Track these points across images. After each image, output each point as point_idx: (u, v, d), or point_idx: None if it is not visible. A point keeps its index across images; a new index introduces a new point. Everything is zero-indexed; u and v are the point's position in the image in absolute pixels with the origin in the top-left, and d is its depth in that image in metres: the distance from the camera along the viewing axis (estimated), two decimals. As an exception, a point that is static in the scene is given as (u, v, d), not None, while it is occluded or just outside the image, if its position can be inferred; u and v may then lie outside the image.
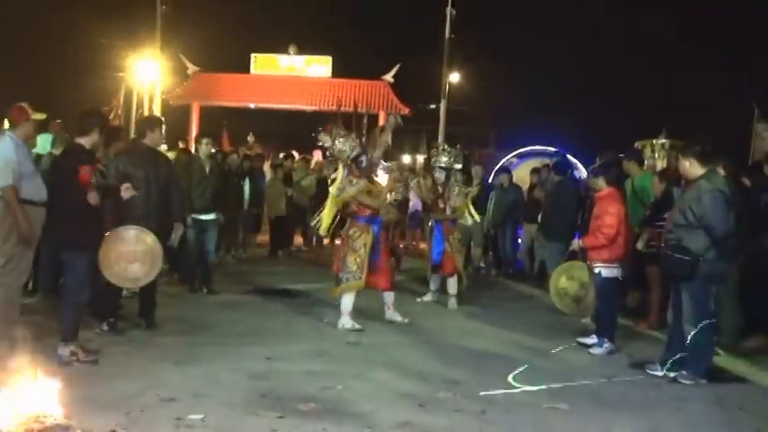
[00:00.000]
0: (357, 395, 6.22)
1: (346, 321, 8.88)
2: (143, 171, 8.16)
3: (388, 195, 9.32)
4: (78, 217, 6.86)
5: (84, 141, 7.13)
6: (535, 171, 14.64)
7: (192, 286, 10.83)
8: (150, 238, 7.48)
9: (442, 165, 10.78)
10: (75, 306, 6.96)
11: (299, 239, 17.85)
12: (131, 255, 7.37)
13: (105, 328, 7.95)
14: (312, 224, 10.13)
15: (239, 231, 14.97)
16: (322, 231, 9.45)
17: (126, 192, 7.51)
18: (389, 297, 9.45)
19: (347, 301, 8.94)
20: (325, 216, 9.21)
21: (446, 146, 11.24)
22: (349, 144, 9.16)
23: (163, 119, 11.74)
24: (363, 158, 9.15)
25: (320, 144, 9.62)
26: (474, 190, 11.64)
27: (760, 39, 31.08)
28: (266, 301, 10.62)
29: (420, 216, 11.78)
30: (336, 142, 9.15)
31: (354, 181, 9.07)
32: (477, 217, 11.22)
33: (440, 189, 10.78)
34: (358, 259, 8.98)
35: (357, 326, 8.83)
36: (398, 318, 9.41)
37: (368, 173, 9.17)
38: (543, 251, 12.46)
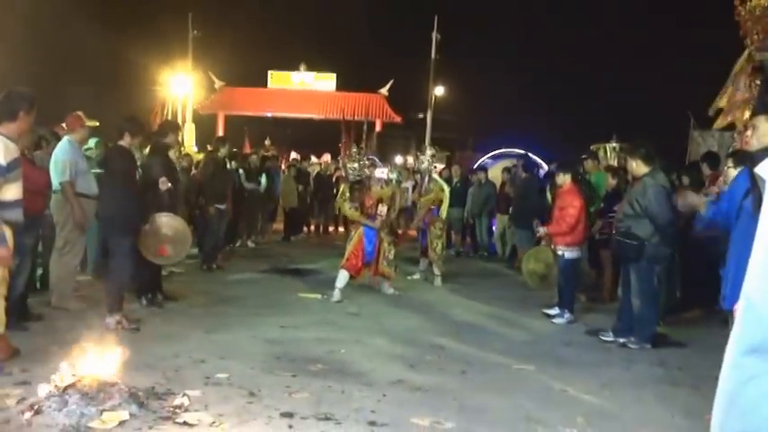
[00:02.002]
0: (357, 357, 6.22)
1: (335, 293, 8.91)
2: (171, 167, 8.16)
3: (383, 209, 9.28)
4: (123, 206, 6.84)
5: (123, 143, 7.11)
6: (506, 170, 14.64)
7: (209, 266, 10.79)
8: (179, 223, 7.46)
9: (421, 168, 10.75)
10: (119, 282, 6.94)
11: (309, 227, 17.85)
12: (165, 238, 7.36)
13: (144, 302, 7.94)
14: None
15: (258, 220, 14.93)
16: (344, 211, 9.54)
17: (163, 185, 7.49)
18: (386, 278, 9.48)
19: (340, 278, 8.97)
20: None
21: (419, 153, 11.00)
22: (358, 166, 9.22)
23: (180, 124, 11.72)
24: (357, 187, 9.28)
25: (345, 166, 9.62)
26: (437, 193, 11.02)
27: (696, 54, 31.07)
28: (281, 278, 10.60)
29: (410, 208, 11.72)
30: (354, 165, 9.35)
31: (353, 207, 9.25)
32: (444, 209, 10.92)
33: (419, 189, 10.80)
34: (349, 247, 9.12)
35: (336, 299, 8.82)
36: (391, 291, 9.43)
37: (361, 198, 9.26)
38: (514, 237, 12.46)
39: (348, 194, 9.27)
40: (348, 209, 9.30)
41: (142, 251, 7.26)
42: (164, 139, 8.18)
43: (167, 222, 7.39)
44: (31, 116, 5.48)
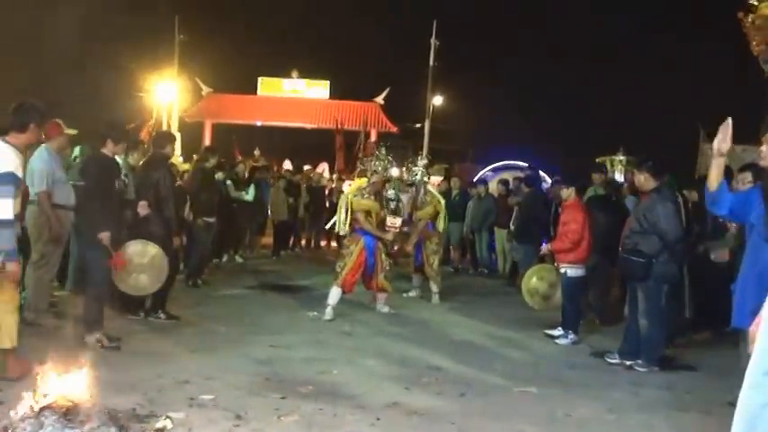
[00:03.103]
0: (350, 379, 6.20)
1: (327, 311, 8.88)
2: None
3: (396, 220, 9.30)
4: (100, 218, 6.80)
5: (106, 151, 7.08)
6: (502, 182, 14.72)
7: (195, 282, 10.78)
8: (155, 250, 7.38)
9: (415, 180, 10.68)
10: (98, 297, 6.90)
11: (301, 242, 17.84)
12: (139, 266, 7.29)
13: (162, 316, 8.07)
14: (327, 226, 10.26)
15: (246, 234, 14.91)
16: (339, 230, 9.43)
17: (143, 209, 7.48)
18: (381, 294, 9.48)
19: (332, 295, 8.95)
20: (340, 217, 9.24)
21: (410, 164, 10.85)
22: (382, 164, 9.30)
23: (177, 135, 11.73)
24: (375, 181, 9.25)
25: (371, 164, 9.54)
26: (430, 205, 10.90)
27: (707, 66, 31.28)
28: (270, 295, 10.59)
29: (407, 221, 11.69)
30: (378, 163, 9.34)
31: (366, 195, 9.14)
32: (441, 225, 10.89)
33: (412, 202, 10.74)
34: (341, 263, 9.05)
35: (328, 317, 8.80)
36: (386, 309, 9.43)
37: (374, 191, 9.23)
38: (516, 253, 12.47)
39: (366, 190, 9.13)
40: (360, 200, 9.06)
41: (117, 284, 7.22)
42: (162, 150, 8.21)
43: (137, 250, 7.31)
44: (42, 129, 5.72)
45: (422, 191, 10.74)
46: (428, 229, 10.69)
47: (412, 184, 10.62)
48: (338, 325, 8.56)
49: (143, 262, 7.29)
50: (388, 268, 9.33)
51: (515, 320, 9.39)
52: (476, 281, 13.70)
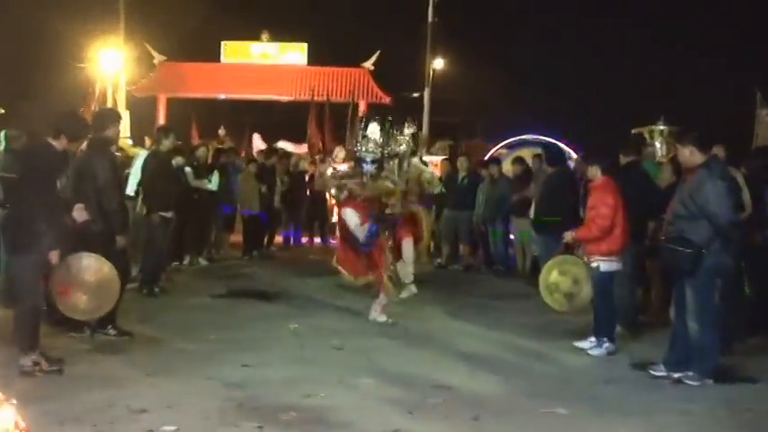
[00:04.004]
0: (341, 403, 6.20)
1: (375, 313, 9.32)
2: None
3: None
4: (34, 219, 6.77)
5: (57, 144, 7.07)
6: (518, 161, 14.67)
7: (150, 290, 10.78)
8: (109, 272, 7.35)
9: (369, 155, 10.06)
10: (30, 313, 6.87)
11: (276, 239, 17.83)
12: (83, 285, 7.25)
13: (113, 332, 8.07)
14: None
15: (211, 230, 14.89)
16: None
17: (79, 214, 7.43)
18: (379, 299, 9.54)
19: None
20: None
21: (395, 132, 10.27)
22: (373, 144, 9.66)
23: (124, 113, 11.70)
24: (368, 163, 9.63)
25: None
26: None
27: (762, 19, 31.26)
28: (241, 304, 10.58)
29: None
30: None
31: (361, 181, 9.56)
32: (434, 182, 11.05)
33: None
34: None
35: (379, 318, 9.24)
36: (383, 318, 9.45)
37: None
38: (536, 246, 12.47)
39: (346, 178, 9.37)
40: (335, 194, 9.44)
41: (55, 298, 7.20)
42: (103, 134, 8.16)
43: (87, 265, 7.28)
44: None
45: (405, 165, 10.62)
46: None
47: (394, 156, 10.38)
48: (324, 338, 8.55)
49: (89, 280, 7.26)
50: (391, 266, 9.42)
51: (538, 328, 9.40)
52: (489, 281, 13.71)
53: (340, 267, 9.72)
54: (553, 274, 9.10)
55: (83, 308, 7.35)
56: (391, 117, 10.11)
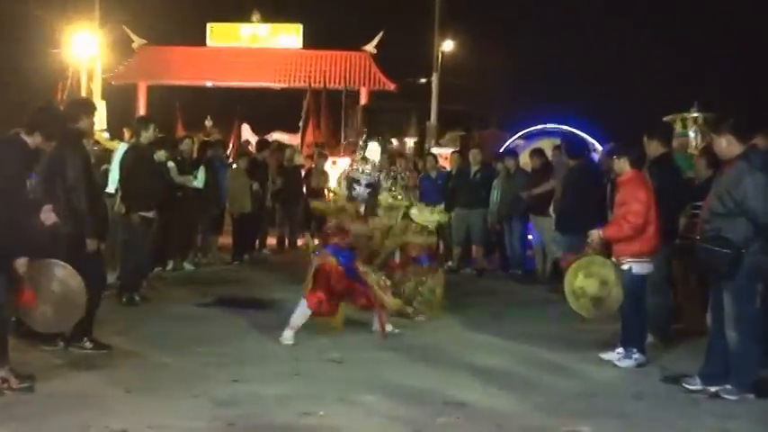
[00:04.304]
0: (342, 422, 6.21)
1: (285, 334, 8.95)
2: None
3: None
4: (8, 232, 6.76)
5: (30, 140, 7.07)
6: (537, 153, 14.67)
7: (131, 298, 10.79)
8: (76, 283, 7.32)
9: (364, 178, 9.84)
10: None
11: (270, 241, 17.84)
12: (48, 295, 7.24)
13: (61, 344, 8.03)
14: None
15: (197, 232, 14.91)
16: None
17: (47, 216, 7.39)
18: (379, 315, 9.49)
19: (297, 314, 9.04)
20: None
21: (363, 141, 10.24)
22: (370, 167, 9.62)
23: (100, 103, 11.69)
24: (362, 185, 9.54)
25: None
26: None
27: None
28: (231, 314, 10.58)
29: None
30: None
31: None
32: (435, 217, 10.86)
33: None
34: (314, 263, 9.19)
35: (287, 341, 8.90)
36: (389, 328, 9.45)
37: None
38: (558, 247, 12.47)
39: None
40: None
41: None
42: (75, 125, 8.16)
43: (63, 279, 7.26)
44: None
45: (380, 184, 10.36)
46: (421, 262, 10.64)
47: (370, 186, 10.06)
48: (323, 350, 8.56)
49: (55, 291, 7.23)
50: (387, 284, 9.39)
51: (560, 338, 9.41)
52: (506, 286, 13.72)
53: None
54: (579, 277, 8.98)
55: (43, 320, 7.31)
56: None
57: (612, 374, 8.02)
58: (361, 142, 10.11)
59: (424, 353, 8.68)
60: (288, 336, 8.91)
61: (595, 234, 8.53)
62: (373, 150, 9.88)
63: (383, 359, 8.34)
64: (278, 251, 17.65)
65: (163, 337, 9.02)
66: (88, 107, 8.87)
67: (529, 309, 11.59)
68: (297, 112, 27.06)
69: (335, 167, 20.03)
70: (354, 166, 9.86)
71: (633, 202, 8.17)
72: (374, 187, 9.69)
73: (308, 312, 9.00)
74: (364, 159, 9.80)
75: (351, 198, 9.60)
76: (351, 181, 9.69)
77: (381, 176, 9.81)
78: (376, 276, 9.29)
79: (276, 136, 25.69)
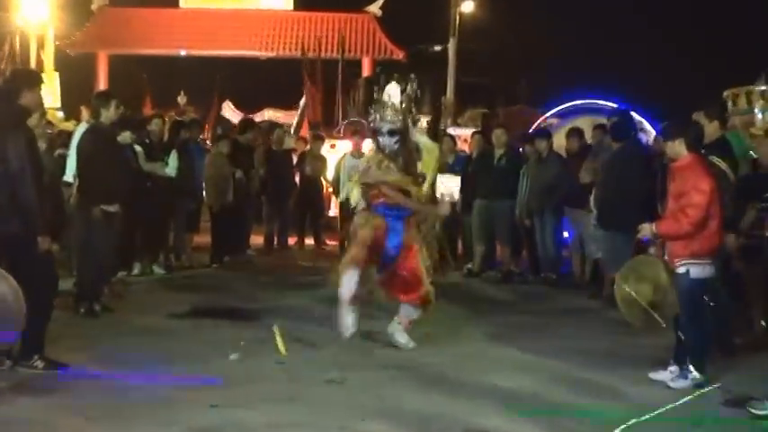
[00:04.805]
0: (343, 454, 6.22)
1: (345, 321, 9.04)
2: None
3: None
4: None
5: None
6: (574, 134, 14.69)
7: (90, 308, 10.81)
8: (9, 289, 7.31)
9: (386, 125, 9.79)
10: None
11: (256, 240, 17.86)
12: None
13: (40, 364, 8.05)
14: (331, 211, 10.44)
15: (168, 229, 14.93)
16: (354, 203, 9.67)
17: None
18: (407, 310, 9.59)
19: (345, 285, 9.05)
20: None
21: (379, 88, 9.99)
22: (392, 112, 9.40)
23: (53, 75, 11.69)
24: (384, 135, 9.38)
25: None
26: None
27: None
28: (210, 326, 10.62)
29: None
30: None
31: (385, 164, 9.30)
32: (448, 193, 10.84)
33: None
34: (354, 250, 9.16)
35: (348, 330, 9.03)
36: (403, 340, 9.50)
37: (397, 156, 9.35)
38: (599, 246, 12.47)
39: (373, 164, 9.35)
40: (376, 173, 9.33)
41: None
42: (16, 101, 8.15)
43: None
44: None
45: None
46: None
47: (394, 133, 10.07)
48: (320, 369, 8.57)
49: None
50: (427, 264, 9.42)
51: (602, 354, 9.43)
52: (537, 293, 13.73)
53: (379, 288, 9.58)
54: (630, 281, 8.93)
55: None
56: (414, 76, 9.98)
57: (664, 397, 7.98)
58: (376, 87, 9.85)
59: (440, 371, 8.68)
60: (347, 323, 9.05)
61: (647, 228, 8.49)
62: (393, 93, 9.72)
63: (392, 379, 8.35)
64: (265, 252, 17.70)
65: (128, 354, 8.99)
66: (31, 79, 8.85)
67: (563, 319, 11.59)
68: (288, 86, 27.11)
69: (334, 152, 20.08)
70: (372, 115, 9.72)
71: (693, 192, 8.12)
72: (402, 135, 9.49)
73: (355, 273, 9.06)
74: (380, 103, 9.62)
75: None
76: (373, 134, 9.66)
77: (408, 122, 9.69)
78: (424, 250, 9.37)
79: (269, 114, 25.75)
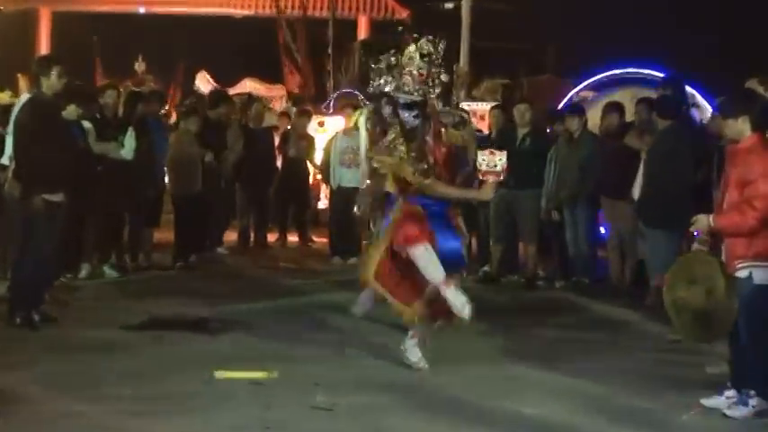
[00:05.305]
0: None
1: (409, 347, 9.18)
2: None
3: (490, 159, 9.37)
4: None
5: None
6: (612, 109, 14.65)
7: (28, 318, 10.79)
8: None
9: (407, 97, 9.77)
10: None
11: (229, 236, 17.85)
12: None
13: None
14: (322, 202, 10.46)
15: (123, 224, 14.90)
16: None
17: None
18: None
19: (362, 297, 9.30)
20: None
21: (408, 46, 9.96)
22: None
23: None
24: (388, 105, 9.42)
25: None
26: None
27: None
28: (170, 340, 10.63)
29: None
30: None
31: (397, 144, 9.27)
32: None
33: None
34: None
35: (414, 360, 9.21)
36: (415, 357, 9.45)
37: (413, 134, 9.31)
38: (643, 245, 12.46)
39: (401, 145, 9.25)
40: (412, 173, 9.18)
41: None
42: None
43: None
44: None
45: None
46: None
47: (414, 107, 10.04)
48: (303, 393, 8.58)
49: None
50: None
51: (644, 375, 9.45)
52: (567, 301, 13.74)
53: (377, 285, 9.58)
54: (680, 286, 8.82)
55: None
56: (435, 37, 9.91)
57: (720, 428, 7.99)
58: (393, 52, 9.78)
59: (451, 395, 8.69)
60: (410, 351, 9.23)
61: (704, 221, 8.38)
62: (412, 56, 9.68)
63: (391, 405, 8.35)
64: (239, 250, 17.68)
65: (72, 373, 9.02)
66: None
67: (599, 333, 11.61)
68: (271, 52, 27.11)
69: (323, 131, 20.05)
70: (386, 84, 9.67)
71: (761, 180, 8.05)
72: (422, 109, 9.47)
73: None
74: (391, 69, 9.61)
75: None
76: (393, 106, 9.56)
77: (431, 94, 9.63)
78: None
79: (249, 85, 25.74)
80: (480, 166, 9.19)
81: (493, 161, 9.17)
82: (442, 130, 9.46)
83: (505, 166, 9.26)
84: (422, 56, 9.47)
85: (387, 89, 9.54)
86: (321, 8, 30.89)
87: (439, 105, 9.69)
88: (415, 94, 9.41)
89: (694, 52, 24.24)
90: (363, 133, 10.14)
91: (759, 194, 7.99)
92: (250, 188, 17.66)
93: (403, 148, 9.23)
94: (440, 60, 9.58)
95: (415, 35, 9.77)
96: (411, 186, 9.18)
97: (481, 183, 9.24)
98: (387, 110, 9.52)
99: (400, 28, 9.83)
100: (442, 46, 9.56)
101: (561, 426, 7.94)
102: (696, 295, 8.45)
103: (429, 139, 9.35)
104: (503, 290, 14.28)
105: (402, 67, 9.51)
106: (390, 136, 9.40)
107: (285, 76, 25.95)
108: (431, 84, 9.53)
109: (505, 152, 9.29)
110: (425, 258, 8.93)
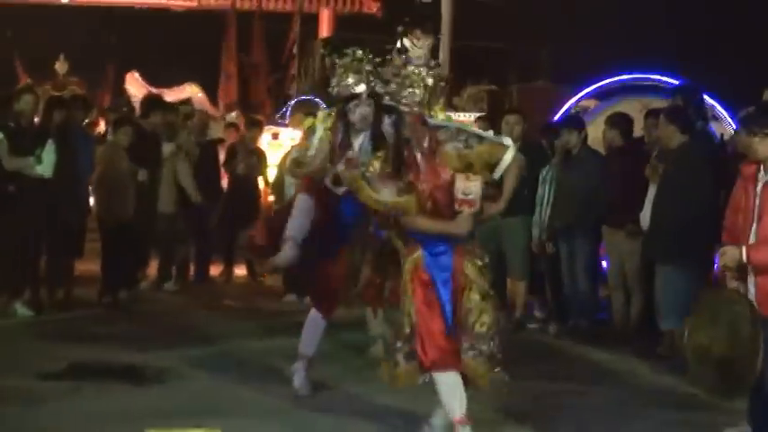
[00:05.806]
0: None
1: None
2: None
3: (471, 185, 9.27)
4: None
5: None
6: (616, 121, 14.60)
7: None
8: None
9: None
10: None
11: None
12: None
13: None
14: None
15: (40, 252, 14.85)
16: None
17: None
18: None
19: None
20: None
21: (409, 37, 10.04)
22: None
23: None
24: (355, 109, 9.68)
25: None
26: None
27: None
28: (95, 390, 10.62)
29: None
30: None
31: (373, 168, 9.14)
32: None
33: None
34: (407, 319, 8.96)
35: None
36: (439, 423, 9.25)
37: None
38: (656, 282, 12.49)
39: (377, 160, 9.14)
40: (376, 198, 9.06)
41: None
42: None
43: None
44: None
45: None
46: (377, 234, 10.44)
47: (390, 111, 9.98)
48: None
49: None
50: (486, 323, 9.29)
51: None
52: (562, 348, 13.77)
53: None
54: (702, 331, 8.78)
55: None
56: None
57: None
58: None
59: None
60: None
61: (735, 254, 8.34)
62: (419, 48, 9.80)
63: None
64: (179, 285, 17.60)
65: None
66: None
67: (601, 387, 11.60)
68: (212, 52, 27.17)
69: (277, 145, 20.07)
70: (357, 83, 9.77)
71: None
72: (399, 115, 9.17)
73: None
74: (347, 69, 9.87)
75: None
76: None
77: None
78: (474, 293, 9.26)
79: (190, 91, 25.80)
80: (456, 193, 9.06)
81: (468, 188, 9.02)
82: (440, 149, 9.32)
83: (480, 193, 9.11)
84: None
85: (357, 90, 9.59)
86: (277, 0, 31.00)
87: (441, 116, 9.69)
88: (403, 100, 9.34)
89: (711, 57, 24.38)
90: (315, 142, 9.93)
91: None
92: (189, 212, 17.53)
93: (377, 163, 9.17)
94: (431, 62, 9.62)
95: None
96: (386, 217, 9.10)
97: (455, 214, 9.11)
98: (365, 110, 9.54)
99: (400, 28, 9.66)
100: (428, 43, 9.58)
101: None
102: (720, 342, 8.42)
103: (418, 154, 9.20)
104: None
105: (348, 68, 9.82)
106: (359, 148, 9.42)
107: (222, 83, 26.02)
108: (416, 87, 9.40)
109: (480, 177, 9.11)
110: (451, 390, 8.78)
